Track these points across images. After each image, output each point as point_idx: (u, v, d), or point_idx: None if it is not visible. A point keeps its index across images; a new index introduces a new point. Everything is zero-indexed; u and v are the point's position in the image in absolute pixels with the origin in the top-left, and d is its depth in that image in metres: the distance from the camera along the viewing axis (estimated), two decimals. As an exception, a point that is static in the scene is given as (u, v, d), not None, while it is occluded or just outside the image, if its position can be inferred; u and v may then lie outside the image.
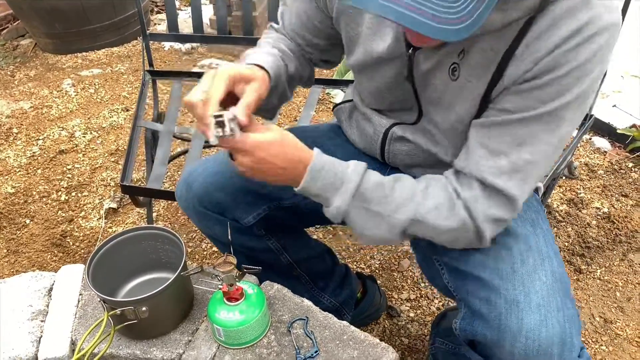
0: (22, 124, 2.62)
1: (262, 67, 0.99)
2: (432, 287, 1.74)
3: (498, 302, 0.89)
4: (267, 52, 1.07)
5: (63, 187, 2.22)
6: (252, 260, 1.12)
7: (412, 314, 1.66)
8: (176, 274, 1.05)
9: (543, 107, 0.82)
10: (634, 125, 2.28)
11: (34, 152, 2.42)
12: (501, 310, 0.88)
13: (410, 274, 1.80)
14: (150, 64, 2.23)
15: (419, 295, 1.73)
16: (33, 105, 2.76)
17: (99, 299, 1.05)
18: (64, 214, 2.10)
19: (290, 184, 0.94)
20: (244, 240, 1.22)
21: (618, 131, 2.27)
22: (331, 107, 2.55)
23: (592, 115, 1.82)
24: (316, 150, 0.93)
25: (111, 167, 2.31)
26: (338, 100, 2.67)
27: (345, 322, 1.12)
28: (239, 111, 0.87)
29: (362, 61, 1.04)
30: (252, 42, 2.94)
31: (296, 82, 1.19)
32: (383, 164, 1.19)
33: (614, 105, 2.37)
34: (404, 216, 0.91)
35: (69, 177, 2.27)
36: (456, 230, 0.90)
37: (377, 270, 1.81)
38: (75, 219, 2.07)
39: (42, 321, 1.17)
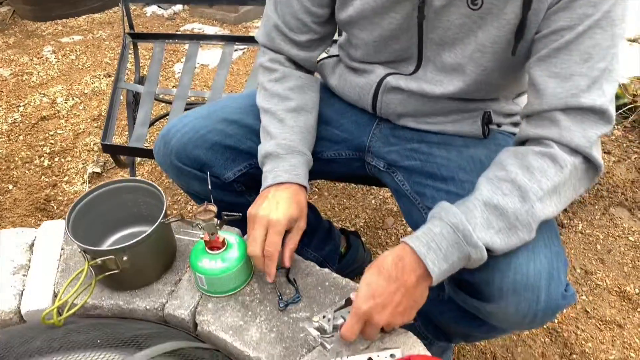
0: (2, 91, 2.59)
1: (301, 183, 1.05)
2: (416, 243, 1.76)
3: None
4: (299, 142, 1.09)
5: (46, 153, 2.20)
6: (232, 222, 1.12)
7: (396, 269, 1.68)
8: (157, 222, 1.05)
9: (596, 11, 0.81)
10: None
11: (15, 119, 2.39)
12: None
13: (395, 231, 1.81)
14: (131, 27, 2.19)
15: (403, 251, 1.74)
16: (13, 72, 2.71)
17: (80, 250, 1.05)
18: (47, 179, 2.09)
19: (427, 286, 0.87)
20: (223, 196, 1.22)
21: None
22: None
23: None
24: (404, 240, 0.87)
25: (94, 132, 2.29)
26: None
27: (327, 270, 1.13)
28: (286, 259, 1.03)
29: (361, 11, 1.01)
30: (234, 1, 2.89)
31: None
32: (372, 116, 1.18)
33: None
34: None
35: (51, 143, 2.25)
36: (572, 176, 0.86)
37: (361, 229, 1.83)
38: (59, 184, 2.06)
39: (24, 275, 1.17)
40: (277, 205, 1.00)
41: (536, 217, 0.83)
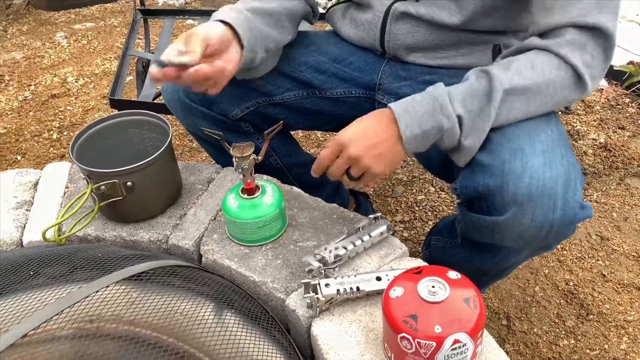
0: (14, 72, 2.60)
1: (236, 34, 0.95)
2: (427, 210, 1.72)
3: (502, 151, 0.87)
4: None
5: (55, 127, 2.20)
6: None
7: (405, 234, 1.64)
8: (164, 146, 1.03)
9: None
10: (631, 62, 2.25)
11: (25, 97, 2.40)
12: (505, 157, 0.86)
13: (404, 199, 1.78)
14: (142, 3, 2.21)
15: (412, 217, 1.71)
16: (25, 55, 2.73)
17: (83, 177, 1.03)
18: (55, 151, 2.08)
19: (401, 148, 0.89)
20: (231, 137, 1.20)
21: (615, 68, 2.24)
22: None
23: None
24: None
25: (104, 108, 2.29)
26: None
27: (334, 204, 1.11)
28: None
29: None
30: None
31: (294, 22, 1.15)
32: (382, 56, 1.17)
33: (611, 42, 2.34)
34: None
35: (60, 118, 2.25)
36: (552, 85, 0.86)
37: (371, 197, 1.79)
38: (67, 155, 2.05)
39: (27, 210, 1.15)
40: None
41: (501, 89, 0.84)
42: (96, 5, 3.19)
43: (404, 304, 0.75)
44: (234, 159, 0.96)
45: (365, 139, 0.88)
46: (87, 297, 0.76)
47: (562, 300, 1.43)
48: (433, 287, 0.75)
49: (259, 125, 1.22)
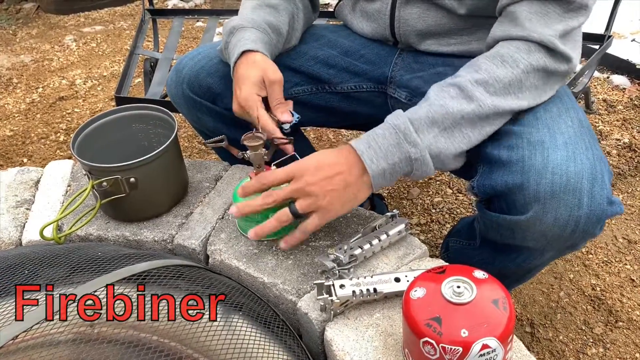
0: (22, 75, 2.57)
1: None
2: (444, 212, 1.66)
3: (521, 145, 0.80)
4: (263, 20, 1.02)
5: (62, 129, 2.16)
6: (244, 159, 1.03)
7: (422, 237, 1.58)
8: (168, 141, 0.97)
9: None
10: (654, 60, 2.18)
11: (33, 99, 2.37)
12: (524, 152, 0.80)
13: (420, 201, 1.71)
14: (151, 3, 2.18)
15: (429, 220, 1.64)
16: (34, 58, 2.71)
17: (84, 173, 0.98)
18: (62, 153, 2.04)
19: (365, 185, 0.82)
20: (236, 133, 1.14)
21: (637, 67, 2.17)
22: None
23: (610, 36, 1.73)
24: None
25: (111, 110, 2.26)
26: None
27: (349, 202, 1.04)
28: (278, 114, 0.94)
29: None
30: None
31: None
32: (393, 48, 1.11)
33: (633, 40, 2.27)
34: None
35: (68, 120, 2.22)
36: (530, 73, 0.82)
37: (386, 199, 1.73)
38: (74, 159, 2.01)
39: (27, 209, 1.10)
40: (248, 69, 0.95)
41: (485, 111, 0.80)
42: (106, 9, 3.18)
43: (427, 305, 0.68)
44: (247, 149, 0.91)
45: (322, 169, 0.80)
46: (84, 296, 0.71)
47: (588, 306, 1.36)
48: (458, 287, 0.68)
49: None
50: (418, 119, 0.80)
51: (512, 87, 0.81)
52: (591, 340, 1.28)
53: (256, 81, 0.93)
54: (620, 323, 1.31)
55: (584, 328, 1.31)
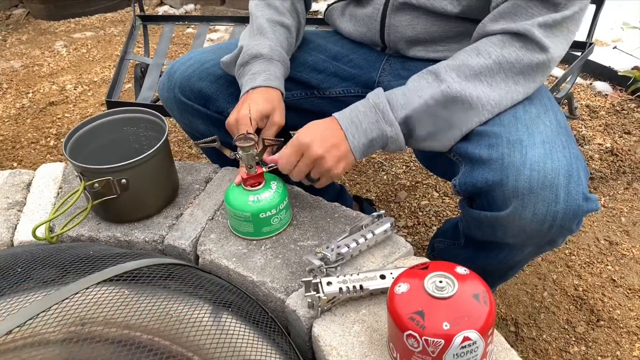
0: (12, 80, 2.58)
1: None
2: (430, 215, 1.69)
3: (500, 144, 0.84)
4: (275, 48, 1.06)
5: (52, 134, 2.17)
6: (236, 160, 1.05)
7: (409, 239, 1.60)
8: (159, 143, 0.99)
9: None
10: (635, 67, 2.23)
11: (23, 104, 2.37)
12: (503, 150, 0.83)
13: (408, 204, 1.74)
14: (142, 9, 2.19)
15: (416, 222, 1.67)
16: (24, 64, 2.71)
17: (76, 174, 0.99)
18: (52, 158, 2.05)
19: (350, 153, 0.91)
20: (227, 136, 1.16)
21: (619, 74, 2.22)
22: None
23: (592, 43, 1.77)
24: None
25: (102, 115, 2.27)
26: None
27: (336, 203, 1.07)
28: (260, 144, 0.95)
29: None
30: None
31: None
32: (382, 53, 1.14)
33: (615, 47, 2.32)
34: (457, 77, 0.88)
35: (58, 125, 2.22)
36: (504, 62, 0.86)
37: (375, 203, 1.75)
38: (65, 162, 2.02)
39: (19, 210, 1.11)
40: (250, 103, 0.99)
41: (453, 93, 0.86)
42: (96, 15, 3.19)
43: (410, 300, 0.71)
44: (238, 149, 0.94)
45: (326, 139, 0.89)
46: (77, 293, 0.72)
47: (571, 306, 1.39)
48: (440, 282, 0.71)
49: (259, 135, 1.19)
50: (395, 99, 0.89)
51: (483, 75, 0.86)
52: (573, 339, 1.31)
53: (263, 114, 0.98)
54: (602, 322, 1.34)
55: (566, 327, 1.34)
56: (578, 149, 0.86)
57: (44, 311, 0.69)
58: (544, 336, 1.32)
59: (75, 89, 2.46)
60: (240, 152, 0.93)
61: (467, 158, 0.89)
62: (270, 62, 1.04)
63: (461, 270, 0.74)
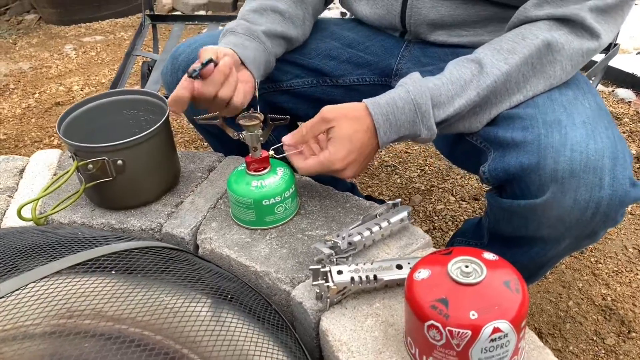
0: (19, 81, 2.54)
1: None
2: (447, 220, 1.60)
3: (535, 125, 0.76)
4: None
5: (56, 134, 2.11)
6: (245, 152, 0.98)
7: (424, 244, 1.51)
8: (159, 122, 0.92)
9: None
10: (660, 74, 2.15)
11: (29, 104, 2.33)
12: (540, 131, 0.74)
13: (423, 208, 1.65)
14: (151, 9, 2.15)
15: (432, 227, 1.58)
16: (32, 66, 2.68)
17: (70, 154, 0.92)
18: (55, 157, 1.99)
19: (373, 153, 0.85)
20: (233, 124, 1.10)
21: (643, 80, 2.14)
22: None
23: (617, 44, 1.70)
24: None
25: (108, 116, 2.21)
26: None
27: (348, 192, 0.99)
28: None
29: None
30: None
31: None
32: (401, 39, 1.07)
33: (638, 53, 2.24)
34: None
35: (63, 125, 2.17)
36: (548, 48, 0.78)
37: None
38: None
39: (9, 196, 1.04)
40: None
41: (499, 87, 0.79)
42: (107, 20, 3.16)
43: (432, 286, 0.62)
44: (243, 130, 0.86)
45: (360, 155, 0.82)
46: (59, 272, 0.65)
47: (599, 316, 1.29)
48: (467, 266, 0.62)
49: (264, 114, 1.12)
50: (438, 96, 0.80)
51: (529, 62, 0.78)
52: (603, 351, 1.20)
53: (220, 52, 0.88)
54: (634, 334, 1.24)
55: (595, 339, 1.24)
56: (619, 133, 0.78)
57: (19, 288, 0.62)
58: (571, 347, 1.22)
59: (82, 90, 2.41)
60: (244, 132, 0.86)
61: (496, 143, 0.81)
62: (232, 35, 0.97)
63: (489, 255, 0.65)
